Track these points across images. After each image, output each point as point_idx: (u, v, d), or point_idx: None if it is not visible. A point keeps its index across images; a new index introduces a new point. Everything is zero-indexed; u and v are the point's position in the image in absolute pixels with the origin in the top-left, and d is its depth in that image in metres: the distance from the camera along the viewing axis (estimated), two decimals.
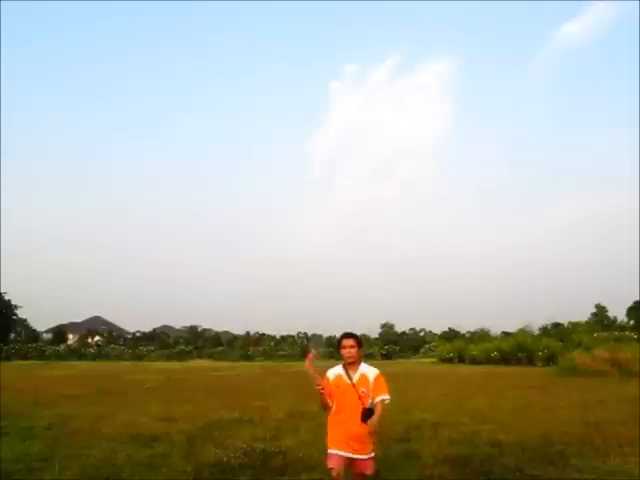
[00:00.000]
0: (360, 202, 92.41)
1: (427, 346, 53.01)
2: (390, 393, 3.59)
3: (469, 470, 5.33)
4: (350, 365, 3.62)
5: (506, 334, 39.24)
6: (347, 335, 3.68)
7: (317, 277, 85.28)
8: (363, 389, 3.52)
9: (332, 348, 36.65)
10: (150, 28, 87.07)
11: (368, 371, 3.65)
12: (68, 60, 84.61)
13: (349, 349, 3.60)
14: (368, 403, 3.45)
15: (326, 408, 3.61)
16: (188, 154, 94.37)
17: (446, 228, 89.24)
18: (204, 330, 63.53)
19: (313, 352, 3.76)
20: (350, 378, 3.57)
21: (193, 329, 63.20)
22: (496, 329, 42.90)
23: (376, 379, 3.59)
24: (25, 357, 44.42)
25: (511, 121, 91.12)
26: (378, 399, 3.50)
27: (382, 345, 52.39)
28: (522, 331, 34.11)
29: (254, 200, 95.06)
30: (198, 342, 57.64)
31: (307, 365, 3.55)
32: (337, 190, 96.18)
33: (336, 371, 3.67)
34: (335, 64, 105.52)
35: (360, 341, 3.68)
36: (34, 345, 48.66)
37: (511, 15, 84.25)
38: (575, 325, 40.41)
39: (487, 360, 30.31)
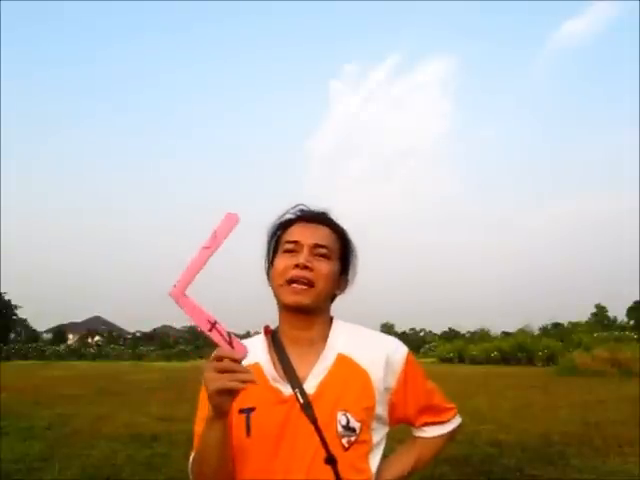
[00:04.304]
0: (360, 202, 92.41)
1: (427, 346, 52.89)
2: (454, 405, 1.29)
3: (469, 470, 5.33)
4: (298, 319, 1.08)
5: (506, 334, 39.14)
6: (305, 215, 1.23)
7: None
8: (347, 414, 1.00)
9: None
10: (150, 28, 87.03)
11: (366, 349, 1.08)
12: (68, 59, 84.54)
13: (308, 256, 1.07)
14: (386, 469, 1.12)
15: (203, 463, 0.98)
16: (188, 154, 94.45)
17: (446, 228, 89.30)
18: None
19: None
20: (293, 378, 1.01)
21: (193, 329, 63.19)
22: (496, 329, 42.79)
23: (407, 375, 1.11)
24: (25, 357, 44.27)
25: (511, 121, 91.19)
26: (432, 433, 1.22)
27: None
28: (522, 331, 34.08)
29: (254, 200, 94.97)
30: (198, 342, 57.62)
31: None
32: (337, 190, 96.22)
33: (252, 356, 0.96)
34: (335, 64, 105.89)
35: (346, 239, 1.24)
36: (34, 345, 48.60)
37: (511, 15, 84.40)
38: (575, 325, 40.37)
39: (487, 360, 30.26)
